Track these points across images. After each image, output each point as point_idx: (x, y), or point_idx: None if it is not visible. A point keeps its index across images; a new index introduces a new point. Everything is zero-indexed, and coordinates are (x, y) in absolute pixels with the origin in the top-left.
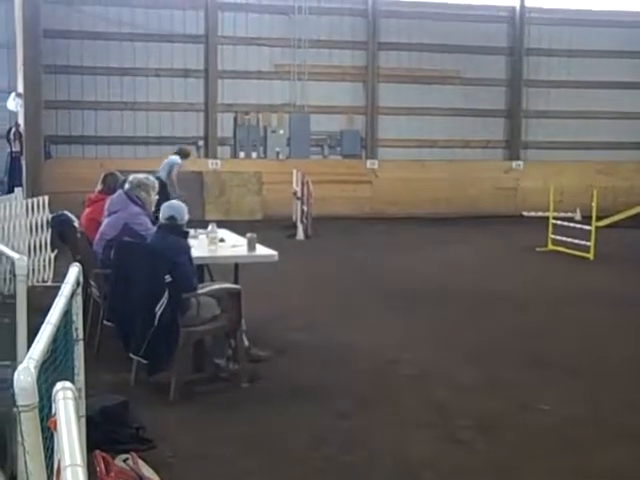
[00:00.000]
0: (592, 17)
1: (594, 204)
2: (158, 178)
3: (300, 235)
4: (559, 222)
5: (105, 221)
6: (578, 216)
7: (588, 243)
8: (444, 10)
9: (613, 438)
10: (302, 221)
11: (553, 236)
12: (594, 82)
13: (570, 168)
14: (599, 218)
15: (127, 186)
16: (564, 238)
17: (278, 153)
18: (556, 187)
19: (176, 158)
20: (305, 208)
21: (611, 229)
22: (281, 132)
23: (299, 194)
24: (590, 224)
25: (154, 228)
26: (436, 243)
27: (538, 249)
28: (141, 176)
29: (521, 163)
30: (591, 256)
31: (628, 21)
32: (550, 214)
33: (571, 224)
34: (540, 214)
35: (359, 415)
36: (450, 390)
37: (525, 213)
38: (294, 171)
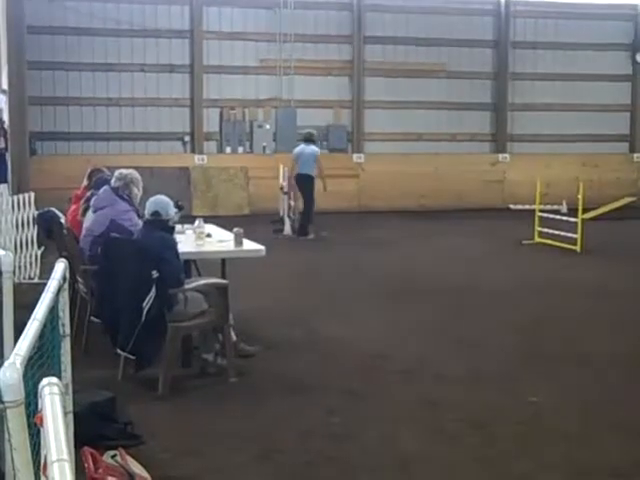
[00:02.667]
0: (576, 10)
1: (580, 196)
2: None
3: (287, 230)
4: (545, 215)
5: (91, 217)
6: (564, 209)
7: (575, 235)
8: (429, 3)
9: (602, 430)
10: (289, 216)
11: (540, 229)
12: (579, 75)
13: (556, 160)
14: (585, 210)
15: (114, 182)
16: (551, 231)
17: (264, 148)
18: (542, 180)
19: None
20: (292, 203)
21: (597, 221)
22: (267, 127)
23: (286, 189)
24: (576, 216)
25: (141, 223)
26: (423, 237)
27: (525, 242)
28: (127, 171)
29: (507, 156)
30: (578, 248)
31: (612, 13)
32: (537, 207)
33: (557, 217)
34: (527, 207)
35: (348, 409)
36: (439, 384)
37: (512, 206)
38: (281, 166)
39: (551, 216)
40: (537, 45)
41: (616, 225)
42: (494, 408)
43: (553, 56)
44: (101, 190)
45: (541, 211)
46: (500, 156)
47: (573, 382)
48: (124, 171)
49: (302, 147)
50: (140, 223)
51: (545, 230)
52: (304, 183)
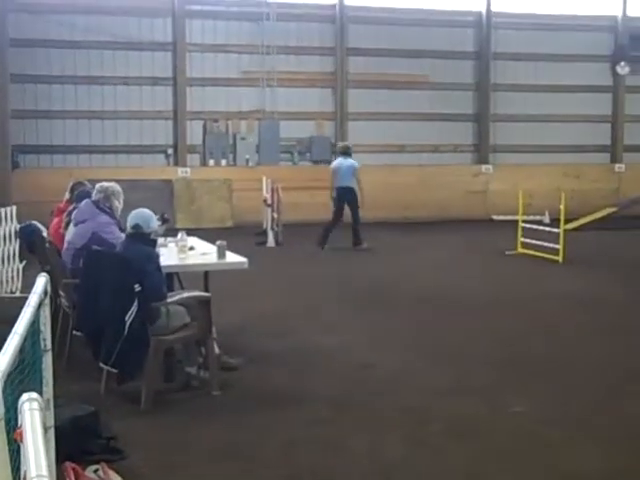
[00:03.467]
0: (557, 21)
1: (562, 207)
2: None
3: (271, 242)
4: (528, 225)
5: (72, 230)
6: (547, 219)
7: (557, 246)
8: (411, 15)
9: (584, 439)
10: (272, 228)
11: (522, 239)
12: (560, 86)
13: (538, 171)
14: (567, 221)
15: (95, 195)
16: (533, 241)
17: (248, 160)
18: (525, 190)
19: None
20: (275, 215)
21: (579, 232)
22: (250, 139)
23: (269, 201)
24: (558, 227)
25: (123, 236)
26: (406, 248)
27: (508, 252)
28: (107, 184)
29: (490, 167)
30: (560, 259)
31: (592, 25)
32: (519, 217)
33: (540, 227)
34: (509, 217)
35: (332, 420)
36: (423, 394)
37: (495, 217)
38: (264, 178)
39: (534, 227)
40: (518, 56)
41: (598, 235)
42: (478, 418)
43: (534, 67)
44: (82, 203)
45: (523, 222)
46: (483, 167)
47: (556, 391)
48: (105, 184)
49: (339, 161)
50: (122, 236)
51: (528, 241)
52: (346, 196)
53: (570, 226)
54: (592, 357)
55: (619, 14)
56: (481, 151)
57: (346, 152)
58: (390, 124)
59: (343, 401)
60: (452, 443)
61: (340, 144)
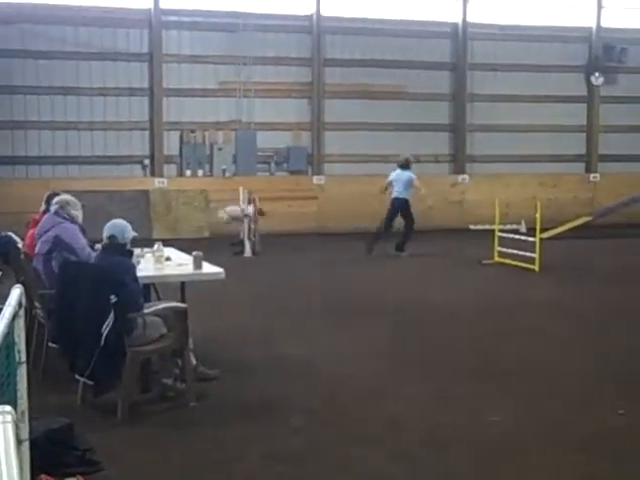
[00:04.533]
0: (532, 32)
1: (538, 216)
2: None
3: (247, 252)
4: (504, 234)
5: (38, 242)
6: (523, 228)
7: (533, 255)
8: (388, 26)
9: (559, 448)
10: (249, 238)
11: (499, 249)
12: (536, 96)
13: (514, 181)
14: (543, 230)
15: (54, 207)
16: (510, 250)
17: (224, 171)
18: (501, 200)
19: None
20: (252, 225)
21: (555, 241)
22: (227, 149)
23: (246, 211)
24: (535, 236)
25: (84, 240)
26: (384, 257)
27: (484, 262)
28: (61, 196)
29: (467, 177)
30: (536, 268)
31: (566, 36)
32: (496, 227)
33: (516, 236)
34: (486, 227)
35: (310, 431)
36: (400, 404)
37: (472, 226)
38: (240, 188)
39: (510, 236)
40: (494, 67)
41: (573, 244)
42: (455, 427)
43: (510, 78)
44: (44, 217)
45: (500, 231)
46: (460, 177)
47: (531, 400)
48: (59, 197)
49: (398, 172)
50: (83, 239)
51: (504, 250)
52: (400, 206)
53: (546, 235)
54: (566, 365)
55: (593, 25)
56: (458, 161)
57: (405, 165)
58: (367, 134)
59: (321, 412)
60: (431, 454)
61: (401, 157)
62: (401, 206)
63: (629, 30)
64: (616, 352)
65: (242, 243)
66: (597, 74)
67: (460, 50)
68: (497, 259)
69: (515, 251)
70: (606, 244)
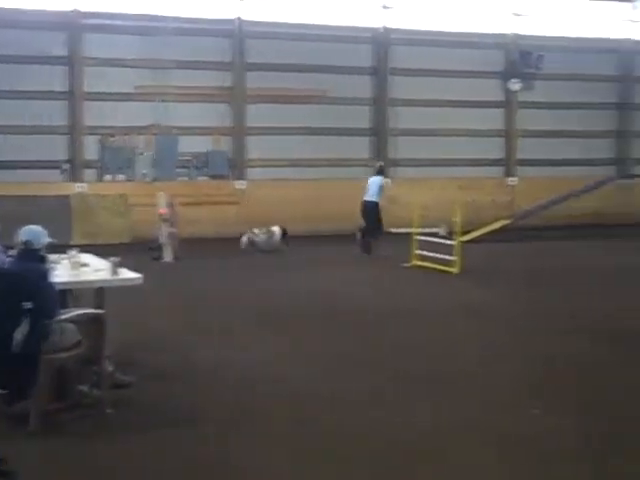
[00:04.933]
0: (451, 38)
1: (457, 219)
2: None
3: (167, 257)
4: (424, 238)
5: None
6: (442, 231)
7: (452, 258)
8: (310, 31)
9: (477, 446)
10: (169, 243)
11: (419, 252)
12: (455, 101)
13: (434, 184)
14: (462, 233)
15: None
16: (429, 253)
17: (144, 175)
18: (421, 203)
19: None
20: (172, 230)
21: (474, 244)
22: (148, 154)
23: (166, 216)
24: (454, 239)
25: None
26: (303, 261)
27: (404, 265)
28: None
29: (388, 180)
30: (455, 270)
31: (484, 42)
32: (415, 230)
33: (436, 239)
34: (407, 230)
35: (228, 437)
36: (320, 407)
37: (392, 229)
38: (160, 193)
39: (429, 239)
40: (415, 72)
41: (492, 247)
42: (378, 429)
43: (430, 83)
44: None
45: (420, 234)
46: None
47: (455, 401)
48: None
49: (372, 178)
50: None
51: (424, 253)
52: (370, 208)
53: (465, 238)
54: (482, 365)
55: (510, 32)
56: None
57: (378, 171)
58: (289, 139)
59: (240, 417)
60: (357, 455)
61: (377, 164)
62: (371, 208)
63: (545, 37)
64: (535, 354)
65: (160, 248)
66: (514, 80)
67: (381, 55)
68: (416, 262)
69: (434, 254)
70: (524, 247)
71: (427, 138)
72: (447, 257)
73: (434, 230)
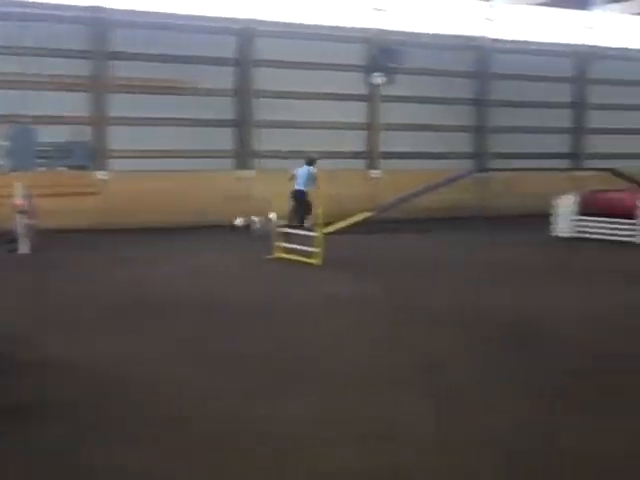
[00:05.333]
0: (316, 31)
1: (319, 211)
2: None
3: (24, 249)
4: (288, 230)
5: None
6: (306, 223)
7: (315, 249)
8: (175, 21)
9: (345, 440)
10: (26, 235)
11: (282, 244)
12: (319, 93)
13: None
14: (326, 225)
15: None
16: (292, 245)
17: (0, 166)
18: (286, 195)
19: None
20: (30, 221)
21: (337, 235)
22: (4, 144)
23: (23, 207)
24: (317, 231)
25: None
26: (168, 253)
27: (267, 257)
28: None
29: (253, 172)
30: (318, 262)
31: (349, 36)
32: (278, 222)
33: (298, 231)
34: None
35: (81, 436)
36: (181, 402)
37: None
38: (17, 184)
39: (293, 231)
40: (279, 64)
41: (354, 239)
42: (245, 422)
43: (295, 75)
44: None
45: (283, 226)
46: (244, 172)
47: (325, 393)
48: None
49: (302, 168)
50: None
51: (287, 245)
52: (299, 196)
53: (327, 230)
54: (355, 357)
55: (373, 27)
56: (243, 156)
57: (308, 162)
58: (153, 130)
59: (95, 416)
60: (212, 449)
61: (306, 155)
62: (300, 196)
63: (407, 33)
64: (396, 341)
65: (15, 240)
66: (377, 74)
67: (245, 47)
68: (280, 254)
69: (297, 246)
70: (385, 239)
71: (292, 130)
72: (309, 249)
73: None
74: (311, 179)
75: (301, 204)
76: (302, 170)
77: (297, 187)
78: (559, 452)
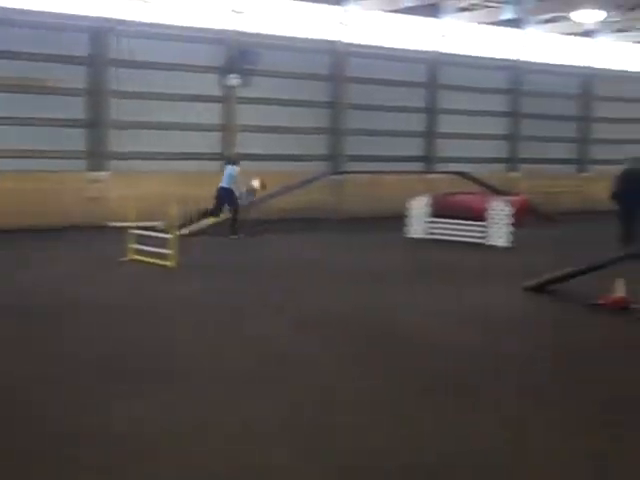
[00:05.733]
0: (173, 32)
1: (174, 213)
2: None
3: None
4: (142, 232)
5: None
6: (161, 225)
7: (169, 251)
8: (25, 17)
9: (191, 450)
10: None
11: (135, 246)
12: (176, 95)
13: (154, 178)
14: (181, 226)
15: None
16: (146, 247)
17: None
18: (142, 197)
19: None
20: None
21: (195, 237)
22: None
23: None
24: (171, 233)
25: None
26: (24, 259)
27: (121, 259)
28: None
29: (106, 173)
30: (172, 264)
31: (206, 37)
32: (131, 224)
33: (153, 233)
34: (126, 224)
35: None
36: (67, 410)
37: (110, 223)
38: None
39: (147, 233)
40: (136, 64)
41: (210, 241)
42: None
43: (153, 75)
44: None
45: (138, 228)
46: (98, 174)
47: (187, 399)
48: None
49: (226, 167)
50: None
51: (141, 247)
52: (225, 195)
53: (183, 232)
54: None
55: (229, 28)
56: (97, 158)
57: (229, 161)
58: (2, 129)
59: None
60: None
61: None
62: (225, 195)
63: (264, 35)
64: (262, 338)
65: None
66: (233, 75)
67: (102, 45)
68: (133, 256)
69: (150, 248)
70: (241, 240)
71: (149, 131)
72: (163, 251)
73: (153, 224)
74: (232, 178)
75: (221, 201)
76: (227, 169)
77: (222, 185)
78: None
